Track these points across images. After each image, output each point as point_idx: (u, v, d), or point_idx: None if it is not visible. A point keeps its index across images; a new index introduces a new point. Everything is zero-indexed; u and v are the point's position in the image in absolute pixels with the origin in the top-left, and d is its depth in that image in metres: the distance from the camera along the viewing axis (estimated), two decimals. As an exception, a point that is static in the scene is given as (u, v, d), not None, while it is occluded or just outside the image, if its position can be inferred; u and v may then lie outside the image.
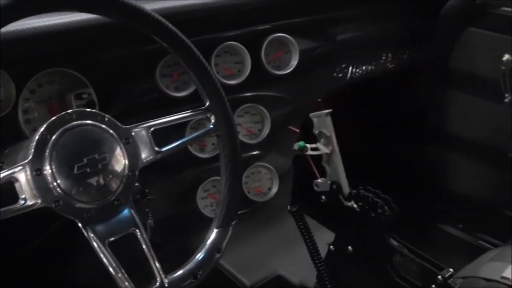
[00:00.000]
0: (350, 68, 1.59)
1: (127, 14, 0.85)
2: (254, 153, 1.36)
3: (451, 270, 1.00)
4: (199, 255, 0.90)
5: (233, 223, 0.95)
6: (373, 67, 1.65)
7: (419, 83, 1.79)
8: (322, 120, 1.13)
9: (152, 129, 0.90)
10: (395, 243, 1.07)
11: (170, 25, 0.89)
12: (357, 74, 1.61)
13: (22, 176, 0.77)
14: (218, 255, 0.92)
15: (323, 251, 1.16)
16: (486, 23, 1.65)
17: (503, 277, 1.27)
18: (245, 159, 1.35)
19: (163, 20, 0.88)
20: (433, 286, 1.01)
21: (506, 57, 1.62)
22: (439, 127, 1.81)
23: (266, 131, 1.33)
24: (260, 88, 1.34)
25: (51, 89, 1.08)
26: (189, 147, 1.23)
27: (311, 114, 1.14)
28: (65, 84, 1.09)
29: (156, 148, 0.90)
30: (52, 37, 1.02)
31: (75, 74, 1.08)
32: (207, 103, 0.94)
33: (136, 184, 1.13)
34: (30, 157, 0.78)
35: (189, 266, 0.88)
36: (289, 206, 1.16)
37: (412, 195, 1.91)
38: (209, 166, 1.29)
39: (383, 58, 1.67)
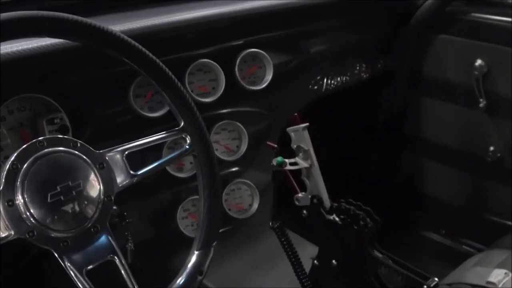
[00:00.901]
0: (325, 80, 1.59)
1: (95, 38, 0.84)
2: (233, 169, 1.35)
3: (436, 279, 1.00)
4: (181, 279, 0.88)
5: (214, 243, 0.93)
6: (347, 77, 1.65)
7: (394, 92, 1.80)
8: (299, 135, 1.12)
9: (126, 152, 0.88)
10: (379, 254, 1.06)
11: (140, 47, 0.88)
12: (332, 85, 1.61)
13: None
14: (200, 278, 0.90)
15: (307, 266, 1.15)
16: (456, 29, 1.67)
17: (488, 282, 1.27)
18: (224, 176, 1.34)
19: (133, 42, 0.87)
20: (419, 296, 0.99)
21: (478, 62, 1.64)
22: (416, 134, 1.83)
23: (244, 147, 1.32)
24: (236, 104, 1.33)
25: (22, 115, 1.06)
26: (166, 167, 1.21)
27: (288, 129, 1.13)
28: (36, 110, 1.07)
29: (132, 172, 0.88)
30: (20, 63, 1.00)
31: (46, 99, 1.05)
32: (182, 124, 0.93)
33: (114, 207, 1.11)
34: (1, 187, 0.76)
35: (172, 290, 0.86)
36: (270, 222, 1.14)
37: (393, 203, 1.92)
38: (187, 185, 1.28)
39: (357, 68, 1.68)
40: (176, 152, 0.93)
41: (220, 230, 1.28)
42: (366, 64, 1.70)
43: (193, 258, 0.91)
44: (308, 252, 1.20)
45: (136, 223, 1.21)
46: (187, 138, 0.93)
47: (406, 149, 1.88)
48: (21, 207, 0.76)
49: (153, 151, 1.03)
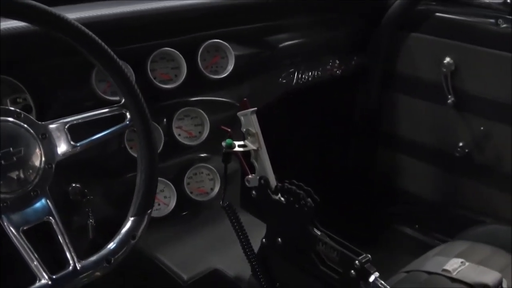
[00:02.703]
0: (296, 74, 1.65)
1: (30, 16, 0.91)
2: (195, 155, 1.41)
3: (368, 256, 1.04)
4: (114, 242, 0.95)
5: (148, 211, 0.99)
6: (319, 72, 1.71)
7: (368, 89, 1.85)
8: (248, 118, 1.18)
9: (68, 124, 0.95)
10: (317, 232, 1.11)
11: (82, 28, 0.95)
12: (303, 79, 1.67)
13: None
14: (133, 242, 0.97)
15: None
16: (427, 28, 1.72)
17: (444, 270, 1.31)
18: (187, 161, 1.41)
19: (72, 21, 0.94)
20: (352, 271, 1.04)
21: (447, 60, 1.69)
22: (390, 131, 1.88)
23: (205, 133, 1.39)
24: (199, 92, 1.40)
25: None
26: (128, 149, 1.29)
27: (239, 113, 1.19)
28: (2, 91, 1.14)
29: (72, 143, 0.95)
30: None
31: (11, 80, 1.13)
32: (123, 100, 1.00)
33: (76, 185, 1.20)
34: None
35: (103, 252, 0.93)
36: (221, 202, 1.20)
37: (368, 198, 1.97)
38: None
39: (330, 64, 1.74)
40: (117, 126, 1.00)
41: (182, 213, 1.36)
42: (340, 61, 1.76)
43: (128, 224, 0.98)
44: (262, 232, 1.26)
45: (98, 201, 1.28)
46: (127, 114, 1.00)
47: (381, 145, 1.93)
48: None
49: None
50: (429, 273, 1.31)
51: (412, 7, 1.72)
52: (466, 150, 1.71)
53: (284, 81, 1.61)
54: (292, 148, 1.89)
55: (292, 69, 1.64)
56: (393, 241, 1.96)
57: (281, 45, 1.56)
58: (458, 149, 1.72)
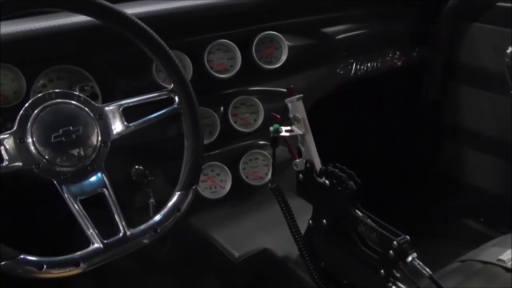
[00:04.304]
0: (354, 65, 1.69)
1: (95, 12, 1.02)
2: (250, 141, 1.49)
3: (407, 237, 1.06)
4: (161, 214, 1.04)
5: (193, 187, 1.08)
6: (379, 64, 1.73)
7: (429, 80, 1.85)
8: (294, 105, 1.24)
9: (122, 107, 1.05)
10: (359, 214, 1.15)
11: (132, 17, 1.05)
12: (362, 70, 1.71)
13: (7, 143, 0.95)
14: (178, 214, 1.05)
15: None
16: (488, 17, 1.70)
17: (499, 260, 1.31)
18: (242, 147, 1.49)
19: (125, 13, 1.04)
20: (391, 251, 1.07)
21: (510, 49, 1.66)
22: (453, 123, 1.86)
23: (260, 121, 1.46)
24: (254, 82, 1.47)
25: (61, 83, 1.25)
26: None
27: (286, 100, 1.25)
28: (72, 79, 1.27)
29: (126, 123, 1.05)
30: (59, 37, 1.21)
31: (80, 70, 1.25)
32: (172, 86, 1.09)
33: (139, 167, 1.31)
34: (15, 128, 0.96)
35: (150, 222, 1.02)
36: (269, 184, 1.27)
37: (432, 191, 1.96)
38: (208, 152, 1.43)
39: (390, 55, 1.76)
40: (166, 109, 1.10)
41: (237, 196, 1.44)
42: (400, 52, 1.77)
43: (174, 198, 1.07)
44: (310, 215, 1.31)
45: (158, 183, 1.38)
46: (176, 98, 1.09)
47: (444, 137, 1.92)
48: (30, 145, 0.96)
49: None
50: (484, 262, 1.31)
51: (473, -3, 1.71)
52: (534, 142, 1.67)
53: (342, 72, 1.65)
54: (352, 139, 1.92)
55: (351, 60, 1.68)
56: (457, 234, 1.94)
57: (337, 37, 1.60)
58: (525, 140, 1.69)
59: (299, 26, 1.52)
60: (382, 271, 1.08)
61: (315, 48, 1.56)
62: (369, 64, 1.70)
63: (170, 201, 1.06)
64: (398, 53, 1.76)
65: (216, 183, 1.45)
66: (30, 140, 0.96)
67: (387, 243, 1.08)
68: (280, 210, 1.28)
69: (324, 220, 1.23)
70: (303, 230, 1.27)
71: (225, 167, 1.45)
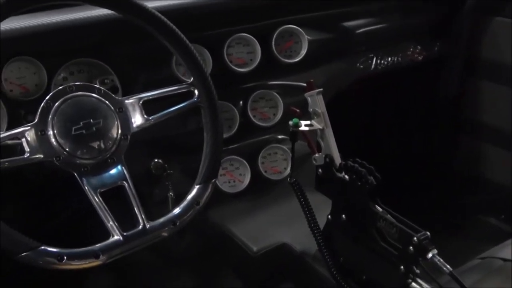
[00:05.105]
0: (375, 59, 1.67)
1: (116, 5, 1.02)
2: (270, 135, 1.48)
3: (427, 233, 1.05)
4: (180, 207, 1.04)
5: (212, 181, 1.08)
6: (399, 58, 1.72)
7: (449, 74, 1.83)
8: (314, 99, 1.23)
9: (142, 100, 1.06)
10: (379, 209, 1.14)
11: (153, 11, 1.05)
12: (382, 65, 1.69)
13: (29, 135, 0.96)
14: (197, 207, 1.05)
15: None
16: (510, 11, 1.67)
17: (519, 257, 1.30)
18: (261, 141, 1.49)
19: (146, 6, 1.04)
20: (411, 247, 1.06)
21: (533, 44, 1.64)
22: (473, 118, 1.84)
23: (279, 115, 1.45)
24: (274, 76, 1.47)
25: (81, 76, 1.26)
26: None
27: (306, 94, 1.25)
28: (93, 73, 1.27)
29: (146, 116, 1.05)
30: (80, 30, 1.22)
31: (100, 63, 1.26)
32: (191, 79, 1.09)
33: (158, 160, 1.31)
34: (36, 120, 0.97)
35: (170, 215, 1.03)
36: (288, 178, 1.26)
37: (451, 187, 1.95)
38: (227, 146, 1.43)
39: (411, 50, 1.74)
40: (186, 102, 1.10)
41: (256, 190, 1.44)
42: (421, 46, 1.76)
43: (193, 191, 1.07)
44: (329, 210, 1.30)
45: (177, 176, 1.39)
46: (195, 91, 1.09)
47: (464, 132, 1.90)
48: (51, 137, 0.97)
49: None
50: (504, 260, 1.29)
51: (497, -10, 1.69)
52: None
53: (362, 66, 1.64)
54: (370, 133, 1.91)
55: (371, 55, 1.66)
56: (476, 230, 1.92)
57: (357, 31, 1.59)
58: (544, 136, 1.67)
59: (318, 20, 1.52)
60: (402, 267, 1.07)
61: (335, 42, 1.55)
62: (389, 59, 1.69)
63: (189, 194, 1.06)
64: (419, 47, 1.75)
65: (235, 177, 1.45)
66: (51, 132, 0.97)
67: (407, 239, 1.07)
68: (298, 204, 1.27)
69: (343, 215, 1.22)
70: (321, 225, 1.26)
71: (244, 161, 1.45)
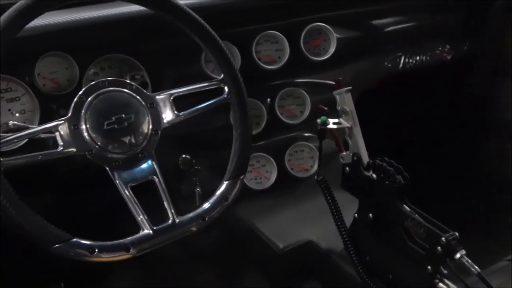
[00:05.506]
0: (403, 58, 1.67)
1: (141, 0, 1.03)
2: (296, 133, 1.49)
3: (456, 233, 1.05)
4: (209, 203, 1.05)
5: (241, 177, 1.08)
6: (427, 57, 1.71)
7: (478, 74, 1.81)
8: (342, 97, 1.23)
9: (173, 96, 1.07)
10: (406, 208, 1.14)
11: (184, 7, 1.05)
12: (410, 64, 1.68)
13: (62, 129, 0.97)
14: (226, 203, 1.06)
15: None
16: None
17: (548, 260, 1.28)
18: (288, 139, 1.49)
19: (178, 3, 1.05)
20: (438, 248, 1.06)
21: None
22: (499, 117, 1.82)
23: (306, 113, 1.45)
24: (302, 74, 1.47)
25: (112, 72, 1.27)
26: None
27: (334, 92, 1.25)
28: (123, 68, 1.28)
29: (176, 112, 1.06)
30: (112, 26, 1.23)
31: (131, 59, 1.27)
32: (222, 76, 1.10)
33: (186, 156, 1.32)
34: (69, 114, 0.99)
35: (199, 210, 1.04)
36: (315, 176, 1.26)
37: (477, 188, 1.93)
38: (253, 143, 1.43)
39: (439, 49, 1.73)
40: (216, 99, 1.10)
41: (282, 187, 1.44)
42: (450, 45, 1.74)
43: (222, 187, 1.08)
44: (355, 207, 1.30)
45: (204, 172, 1.40)
46: (225, 88, 1.10)
47: (491, 132, 1.88)
48: (84, 131, 0.98)
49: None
50: (537, 262, 1.28)
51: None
52: None
53: (390, 65, 1.63)
54: (397, 132, 1.90)
55: (400, 53, 1.65)
56: (504, 232, 1.90)
57: (386, 29, 1.59)
58: None
59: (347, 18, 1.51)
60: (429, 267, 1.07)
61: (363, 40, 1.55)
62: (417, 58, 1.68)
63: (218, 190, 1.07)
64: (447, 46, 1.73)
65: (262, 174, 1.45)
66: (84, 126, 0.98)
67: (435, 239, 1.06)
68: (324, 202, 1.28)
69: (370, 214, 1.22)
70: (348, 223, 1.26)
71: (271, 159, 1.45)
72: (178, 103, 1.09)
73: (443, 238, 1.05)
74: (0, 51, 0.90)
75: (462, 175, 1.92)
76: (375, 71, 1.60)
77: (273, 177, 1.46)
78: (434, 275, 1.07)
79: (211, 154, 1.41)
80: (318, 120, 1.23)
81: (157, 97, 1.06)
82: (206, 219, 1.03)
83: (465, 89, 1.85)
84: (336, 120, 1.24)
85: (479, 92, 1.82)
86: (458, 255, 1.03)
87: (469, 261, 1.01)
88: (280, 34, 1.39)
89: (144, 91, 1.05)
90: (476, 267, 0.99)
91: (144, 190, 1.02)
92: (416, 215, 1.13)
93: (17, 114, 1.15)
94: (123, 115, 1.01)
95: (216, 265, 1.52)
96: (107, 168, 1.00)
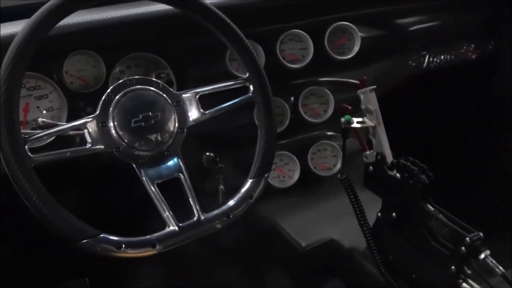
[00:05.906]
0: (427, 57, 1.66)
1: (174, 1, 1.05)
2: (320, 132, 1.49)
3: (480, 234, 1.04)
4: (233, 200, 1.06)
5: (266, 175, 1.09)
6: (452, 57, 1.70)
7: (503, 74, 1.80)
8: (367, 96, 1.24)
9: (199, 94, 1.08)
10: (431, 208, 1.13)
11: (210, 6, 1.06)
12: (434, 63, 1.67)
13: (90, 126, 0.99)
14: (250, 201, 1.07)
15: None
16: None
17: None
18: (311, 137, 1.49)
19: (204, 2, 1.06)
20: (463, 248, 1.05)
21: None
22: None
23: (330, 112, 1.46)
24: (326, 72, 1.47)
25: (138, 70, 1.29)
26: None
27: (359, 91, 1.25)
28: (149, 67, 1.30)
29: (202, 110, 1.08)
30: (138, 25, 1.25)
31: (157, 58, 1.29)
32: (247, 75, 1.11)
33: (210, 154, 1.33)
34: (98, 112, 1.00)
35: (223, 208, 1.04)
36: (339, 175, 1.27)
37: (503, 187, 1.91)
38: (277, 141, 1.44)
39: (464, 48, 1.72)
40: (241, 97, 1.11)
41: (305, 186, 1.45)
42: (475, 45, 1.73)
43: (247, 185, 1.08)
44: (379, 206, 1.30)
45: (228, 170, 1.41)
46: (250, 87, 1.11)
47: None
48: (111, 129, 1.00)
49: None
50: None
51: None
52: None
53: (414, 64, 1.62)
54: (421, 132, 1.89)
55: (424, 52, 1.65)
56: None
57: (410, 29, 1.58)
58: None
59: (372, 17, 1.51)
60: (453, 267, 1.07)
61: (388, 39, 1.54)
62: (442, 57, 1.67)
63: (243, 187, 1.08)
64: (472, 45, 1.72)
65: (285, 172, 1.46)
66: (111, 124, 0.99)
67: (459, 239, 1.06)
68: (346, 201, 1.28)
69: (394, 213, 1.22)
70: (371, 222, 1.26)
71: (294, 157, 1.46)
72: (203, 101, 1.10)
73: (467, 238, 1.05)
74: (31, 49, 0.91)
75: (486, 175, 1.91)
76: (399, 70, 1.60)
77: (296, 176, 1.46)
78: (458, 275, 1.06)
79: (234, 152, 1.42)
80: (342, 119, 1.24)
81: (183, 95, 1.07)
82: (231, 216, 1.04)
83: (490, 88, 1.84)
84: (360, 119, 1.25)
85: (505, 92, 1.80)
86: (482, 256, 1.03)
87: (494, 261, 1.01)
88: (304, 33, 1.39)
89: (171, 89, 1.06)
90: (501, 267, 0.98)
91: (170, 187, 1.02)
92: (440, 215, 1.13)
93: (44, 111, 1.17)
94: (150, 113, 1.02)
95: (238, 262, 1.53)
96: (133, 165, 1.01)
